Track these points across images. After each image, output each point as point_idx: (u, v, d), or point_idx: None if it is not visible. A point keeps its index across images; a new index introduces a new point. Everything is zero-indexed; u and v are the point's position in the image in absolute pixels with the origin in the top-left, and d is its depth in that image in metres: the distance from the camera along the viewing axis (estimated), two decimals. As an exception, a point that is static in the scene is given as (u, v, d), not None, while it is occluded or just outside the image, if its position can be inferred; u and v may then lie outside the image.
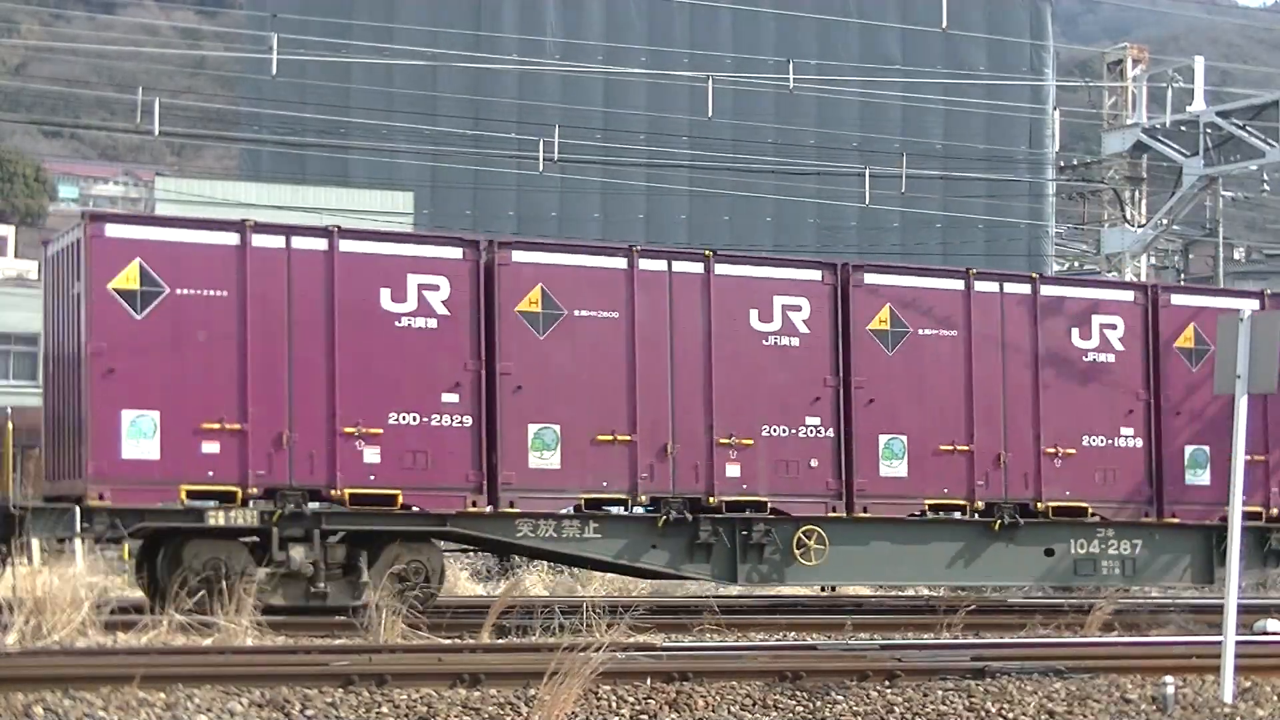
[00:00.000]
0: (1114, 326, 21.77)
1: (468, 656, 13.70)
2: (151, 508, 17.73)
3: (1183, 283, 66.16)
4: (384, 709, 11.46)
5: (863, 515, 20.27)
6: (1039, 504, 21.10)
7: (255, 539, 18.33)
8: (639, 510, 19.50)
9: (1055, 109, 58.12)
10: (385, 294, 18.65)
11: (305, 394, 18.26)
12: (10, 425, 18.17)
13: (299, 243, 18.53)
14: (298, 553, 18.09)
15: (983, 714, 12.34)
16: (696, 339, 19.78)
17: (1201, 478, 21.87)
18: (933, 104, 60.47)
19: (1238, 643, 13.12)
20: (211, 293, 18.06)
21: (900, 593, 26.65)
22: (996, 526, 20.82)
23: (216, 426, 17.89)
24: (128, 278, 17.76)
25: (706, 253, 20.51)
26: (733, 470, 19.78)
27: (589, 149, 51.51)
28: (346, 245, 18.74)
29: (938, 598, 23.17)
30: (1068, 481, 21.22)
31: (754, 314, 20.11)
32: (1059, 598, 23.52)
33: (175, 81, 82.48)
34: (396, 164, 62.00)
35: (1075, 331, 21.66)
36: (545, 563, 25.07)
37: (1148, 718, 12.54)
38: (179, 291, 17.97)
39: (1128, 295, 22.50)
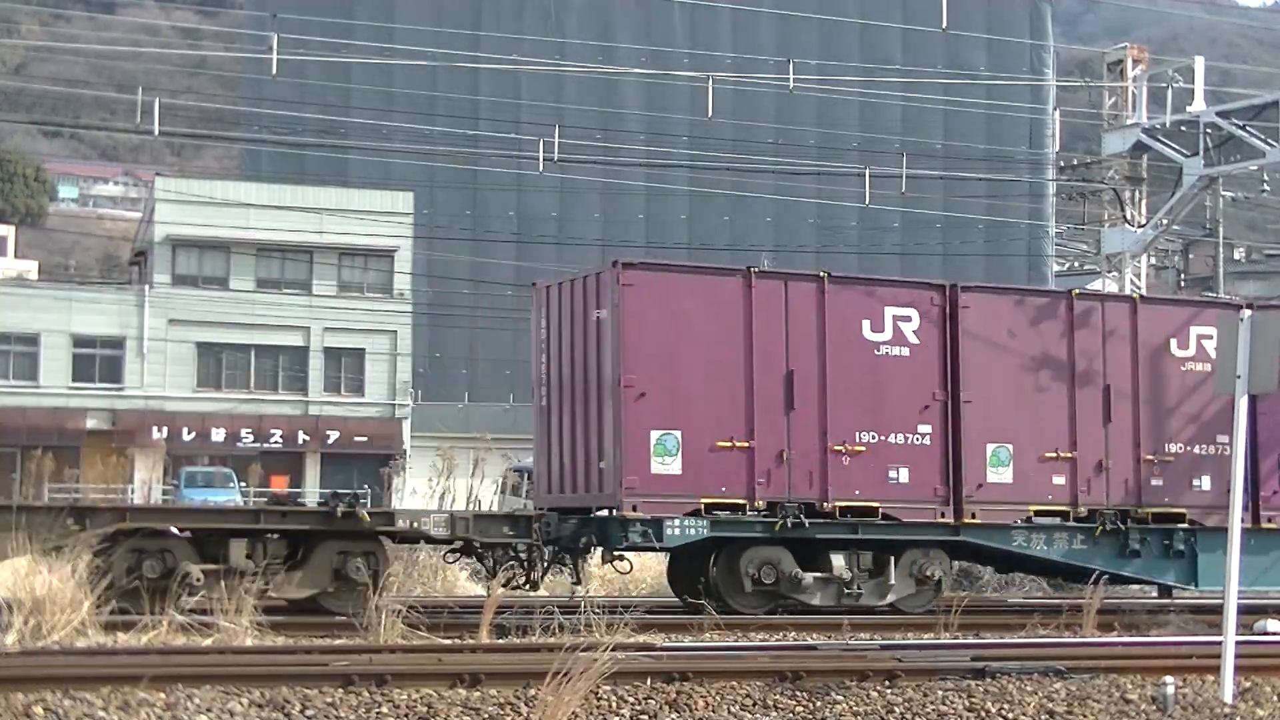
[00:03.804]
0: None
1: (468, 656, 13.70)
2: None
3: (1182, 283, 66.22)
4: (384, 709, 11.46)
5: None
6: None
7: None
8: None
9: (1055, 109, 58.14)
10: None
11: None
12: None
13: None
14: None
15: (983, 714, 12.34)
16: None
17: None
18: (933, 104, 60.47)
19: (1238, 643, 13.11)
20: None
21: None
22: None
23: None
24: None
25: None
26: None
27: (589, 149, 51.50)
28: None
29: (937, 598, 23.16)
30: None
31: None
32: (1057, 598, 23.52)
33: (175, 81, 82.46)
34: (395, 164, 62.00)
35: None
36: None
37: (1148, 718, 12.54)
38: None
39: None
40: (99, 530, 17.93)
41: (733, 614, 19.14)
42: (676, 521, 19.39)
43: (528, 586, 19.91)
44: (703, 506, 19.55)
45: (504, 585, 19.73)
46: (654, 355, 19.51)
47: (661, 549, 20.09)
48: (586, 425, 20.06)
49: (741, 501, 19.71)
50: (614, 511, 19.57)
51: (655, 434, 19.35)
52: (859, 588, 20.08)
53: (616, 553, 20.41)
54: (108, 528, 17.93)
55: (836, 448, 20.04)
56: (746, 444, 19.71)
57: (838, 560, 19.99)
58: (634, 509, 19.23)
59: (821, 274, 20.61)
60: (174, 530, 18.62)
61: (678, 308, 19.73)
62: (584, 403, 20.14)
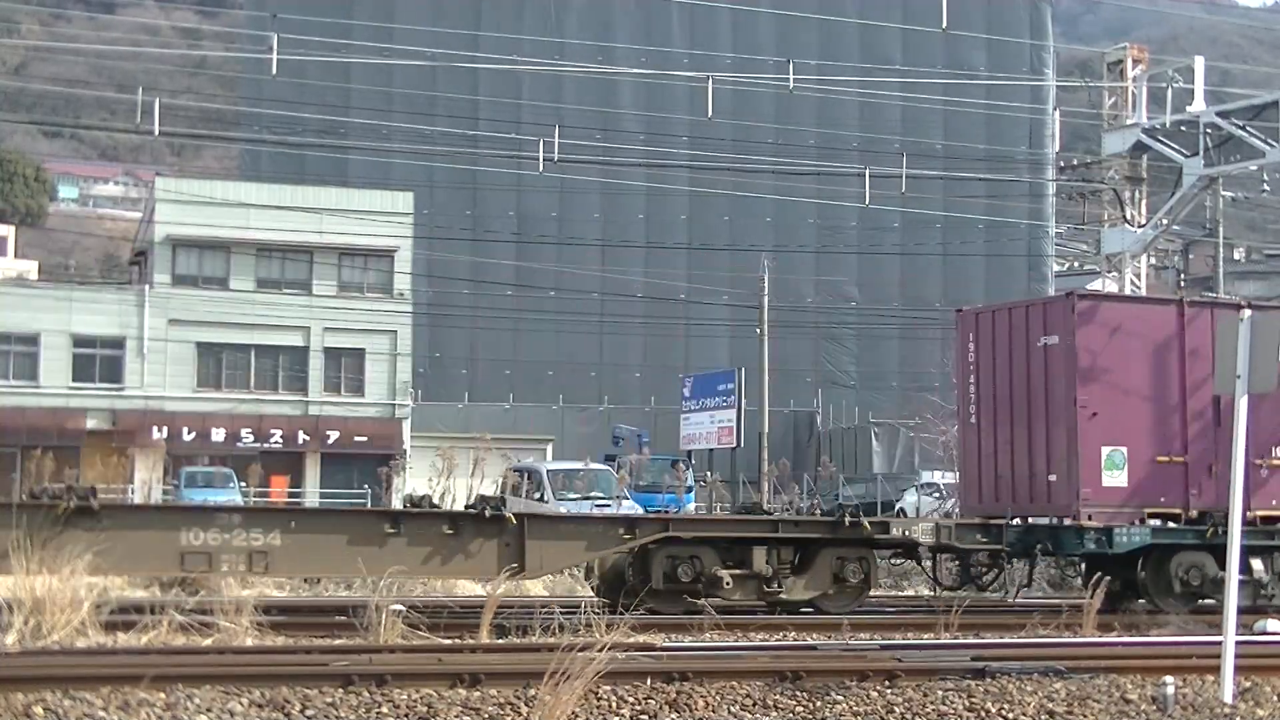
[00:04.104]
0: None
1: (468, 656, 13.69)
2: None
3: (1182, 283, 66.29)
4: (384, 709, 11.46)
5: None
6: None
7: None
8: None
9: (1055, 109, 58.14)
10: None
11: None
12: None
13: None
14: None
15: (983, 714, 12.34)
16: None
17: None
18: (933, 104, 60.45)
19: (1238, 643, 13.11)
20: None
21: (900, 592, 26.65)
22: None
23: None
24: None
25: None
26: None
27: (588, 149, 51.47)
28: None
29: (937, 598, 23.17)
30: None
31: None
32: (1057, 598, 23.53)
33: (175, 81, 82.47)
34: (395, 164, 61.99)
35: None
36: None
37: (1148, 718, 12.54)
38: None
39: None
40: (648, 538, 19.81)
41: (1159, 614, 20.55)
42: (1124, 529, 21.28)
43: (983, 589, 22.37)
44: (1144, 515, 21.48)
45: (951, 588, 22.29)
46: (1101, 377, 21.37)
47: (1112, 554, 21.49)
48: (1030, 441, 21.89)
49: (1177, 511, 21.65)
50: (1065, 520, 21.46)
51: (1105, 450, 21.29)
52: (1274, 589, 21.86)
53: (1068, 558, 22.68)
54: (655, 535, 19.90)
55: (1257, 462, 21.52)
56: (1181, 459, 21.68)
57: (1257, 564, 21.69)
58: (1089, 518, 21.20)
59: (1243, 301, 22.26)
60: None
61: (1120, 333, 21.52)
62: (1026, 421, 21.97)
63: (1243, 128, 37.16)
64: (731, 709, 12.05)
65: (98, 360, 56.61)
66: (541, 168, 40.73)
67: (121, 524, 17.69)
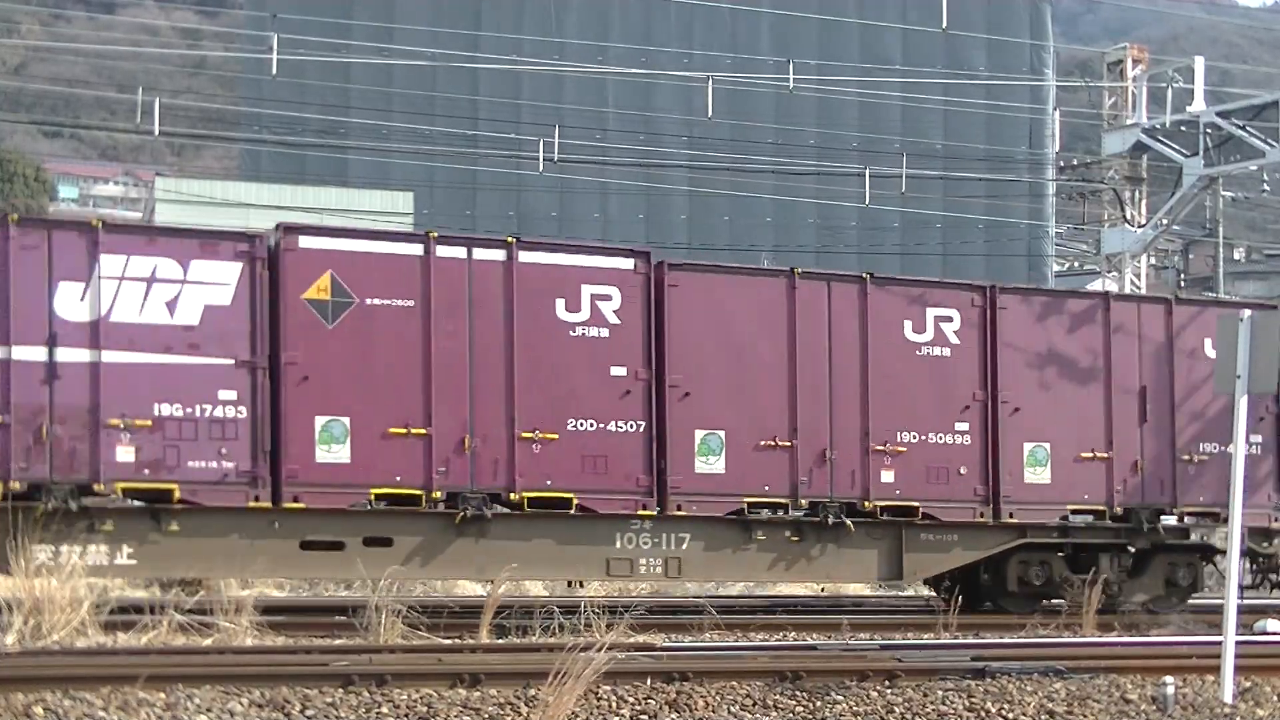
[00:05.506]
0: None
1: (468, 656, 13.70)
2: None
3: (1182, 283, 66.29)
4: (384, 709, 11.46)
5: None
6: None
7: None
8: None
9: (1055, 109, 58.12)
10: None
11: None
12: None
13: None
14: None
15: (983, 714, 12.34)
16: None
17: None
18: (933, 104, 60.44)
19: (1238, 643, 13.12)
20: None
21: (900, 592, 26.66)
22: None
23: None
24: None
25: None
26: None
27: (588, 149, 51.47)
28: None
29: (938, 598, 23.18)
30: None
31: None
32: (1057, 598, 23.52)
33: (175, 81, 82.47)
34: (395, 164, 61.99)
35: None
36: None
37: (1148, 718, 12.54)
38: None
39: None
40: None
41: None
42: None
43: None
44: None
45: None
46: None
47: None
48: None
49: None
50: None
51: None
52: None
53: None
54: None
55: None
56: None
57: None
58: None
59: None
60: None
61: None
62: None
63: (1243, 128, 37.12)
64: (731, 709, 12.05)
65: (98, 360, 56.57)
66: (541, 168, 40.72)
67: None
